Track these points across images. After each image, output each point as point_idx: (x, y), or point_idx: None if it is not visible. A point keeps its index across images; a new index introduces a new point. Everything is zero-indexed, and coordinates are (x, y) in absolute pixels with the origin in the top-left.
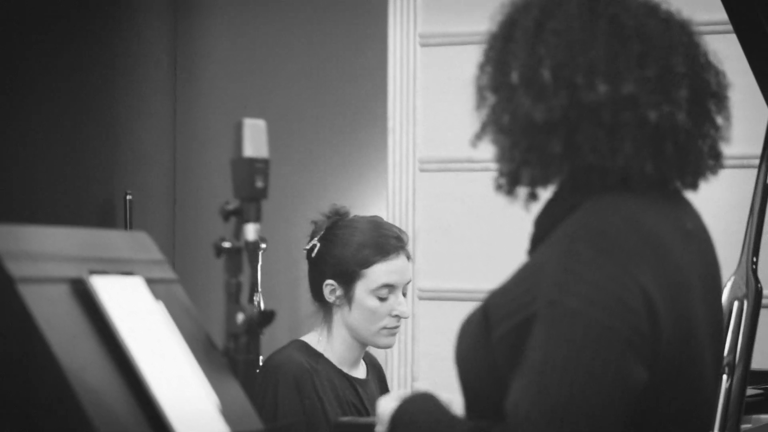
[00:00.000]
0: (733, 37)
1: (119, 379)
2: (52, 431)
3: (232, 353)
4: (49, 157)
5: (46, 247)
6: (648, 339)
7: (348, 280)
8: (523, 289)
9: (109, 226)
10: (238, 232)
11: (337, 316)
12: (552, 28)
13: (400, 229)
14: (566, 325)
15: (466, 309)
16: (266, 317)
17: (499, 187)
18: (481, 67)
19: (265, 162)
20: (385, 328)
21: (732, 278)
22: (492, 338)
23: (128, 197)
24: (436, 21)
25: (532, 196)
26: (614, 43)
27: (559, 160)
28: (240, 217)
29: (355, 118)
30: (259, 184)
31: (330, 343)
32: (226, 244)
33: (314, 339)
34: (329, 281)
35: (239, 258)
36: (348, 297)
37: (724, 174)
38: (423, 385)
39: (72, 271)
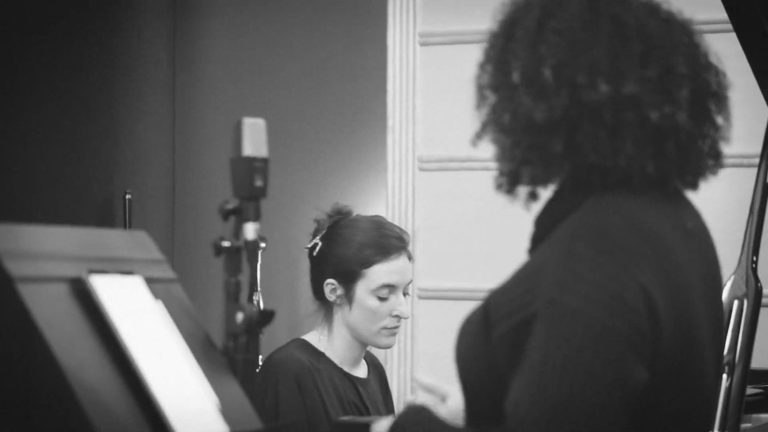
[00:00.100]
0: (733, 36)
1: (118, 379)
2: (52, 430)
3: (231, 352)
4: (48, 156)
5: (45, 247)
6: (648, 338)
7: (349, 279)
8: (523, 289)
9: (109, 225)
10: (237, 232)
11: (338, 316)
12: (553, 27)
13: (401, 229)
14: (566, 324)
15: (466, 308)
16: (265, 316)
17: (499, 187)
18: (482, 66)
19: (264, 161)
20: (385, 328)
21: (732, 277)
22: (492, 337)
23: (127, 196)
24: (435, 20)
25: (532, 196)
26: (615, 42)
27: (559, 160)
28: (239, 216)
29: (355, 117)
30: (259, 183)
31: (331, 342)
32: (226, 244)
33: (315, 338)
34: (330, 280)
35: (238, 257)
36: (349, 296)
37: (724, 173)
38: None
39: (71, 271)
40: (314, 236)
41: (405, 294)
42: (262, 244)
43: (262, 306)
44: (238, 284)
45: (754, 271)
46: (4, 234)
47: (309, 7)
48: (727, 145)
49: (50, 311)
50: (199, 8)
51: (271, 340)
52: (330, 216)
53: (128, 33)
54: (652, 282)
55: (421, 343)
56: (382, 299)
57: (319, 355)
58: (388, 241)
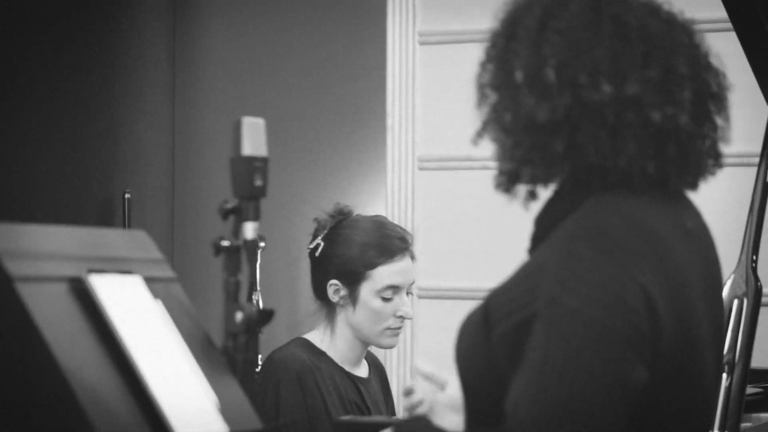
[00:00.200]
0: (733, 35)
1: (118, 378)
2: (51, 430)
3: (230, 352)
4: (48, 156)
5: (44, 246)
6: (648, 338)
7: (353, 280)
8: (523, 288)
9: (108, 224)
10: (236, 231)
11: (341, 316)
12: (555, 27)
13: (404, 230)
14: (566, 324)
15: (466, 307)
16: (265, 316)
17: (498, 186)
18: (483, 65)
19: (263, 160)
20: (389, 328)
21: (732, 276)
22: (492, 337)
23: (127, 196)
24: (435, 19)
25: (532, 195)
26: (617, 42)
27: (560, 160)
28: (239, 215)
29: (354, 117)
30: (258, 182)
31: (333, 341)
32: (225, 243)
33: (317, 337)
34: (333, 281)
35: (238, 257)
36: (352, 297)
37: (723, 172)
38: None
39: (71, 270)
40: (315, 236)
41: (408, 294)
42: (262, 244)
43: (261, 305)
44: (237, 284)
45: (754, 270)
46: (3, 234)
47: (309, 7)
48: (726, 145)
49: (50, 311)
50: (199, 8)
51: (271, 339)
52: (331, 216)
53: (128, 33)
54: (652, 282)
55: (422, 342)
56: (386, 300)
57: (321, 355)
58: (391, 242)
